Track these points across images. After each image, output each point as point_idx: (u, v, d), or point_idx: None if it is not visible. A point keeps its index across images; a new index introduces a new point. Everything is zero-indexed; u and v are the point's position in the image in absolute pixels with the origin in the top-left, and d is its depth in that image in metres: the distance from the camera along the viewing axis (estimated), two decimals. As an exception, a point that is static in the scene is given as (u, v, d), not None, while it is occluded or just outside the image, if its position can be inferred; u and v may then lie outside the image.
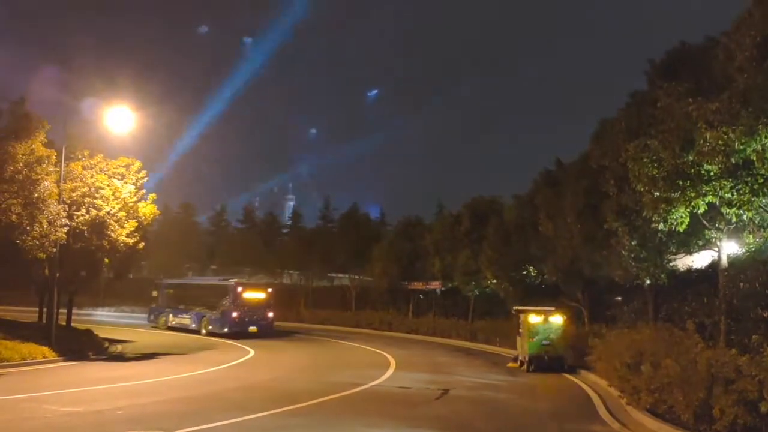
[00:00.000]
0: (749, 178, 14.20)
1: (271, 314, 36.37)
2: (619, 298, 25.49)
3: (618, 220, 19.00)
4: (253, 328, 34.53)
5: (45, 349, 21.28)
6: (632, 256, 19.14)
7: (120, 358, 24.17)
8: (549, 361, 22.95)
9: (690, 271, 22.19)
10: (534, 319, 23.31)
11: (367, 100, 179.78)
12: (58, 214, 21.53)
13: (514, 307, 26.39)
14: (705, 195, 14.72)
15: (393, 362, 24.61)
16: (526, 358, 23.46)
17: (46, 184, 21.11)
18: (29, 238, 20.85)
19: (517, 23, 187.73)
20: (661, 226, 15.90)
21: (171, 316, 38.55)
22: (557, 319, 23.29)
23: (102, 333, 28.99)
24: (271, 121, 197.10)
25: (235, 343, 30.50)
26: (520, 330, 24.21)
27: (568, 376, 22.32)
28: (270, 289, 37.43)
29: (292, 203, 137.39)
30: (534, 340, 23.15)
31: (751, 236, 15.72)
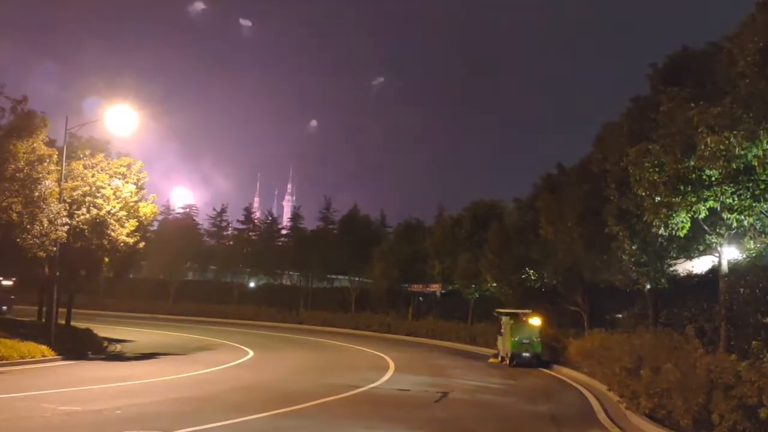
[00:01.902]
0: (750, 184, 14.19)
1: (13, 297, 42.93)
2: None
3: (619, 225, 18.98)
4: (5, 308, 40.84)
5: (44, 348, 21.26)
6: (633, 260, 19.12)
7: (119, 357, 24.16)
8: (528, 357, 25.71)
9: (690, 276, 22.17)
10: (516, 321, 26.20)
11: (371, 89, 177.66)
12: (58, 213, 21.53)
13: (496, 310, 29.25)
14: (706, 200, 14.71)
15: (392, 364, 24.60)
16: (508, 355, 26.25)
17: (47, 182, 21.10)
18: (30, 236, 20.84)
19: (516, 25, 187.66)
20: (661, 230, 15.89)
21: None
22: (535, 321, 26.13)
23: (102, 332, 28.99)
24: (273, 116, 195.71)
25: (235, 344, 30.50)
26: (502, 330, 27.29)
27: (545, 370, 24.76)
28: (14, 279, 43.11)
29: (292, 204, 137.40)
30: (515, 339, 26.00)
31: (751, 242, 15.69)
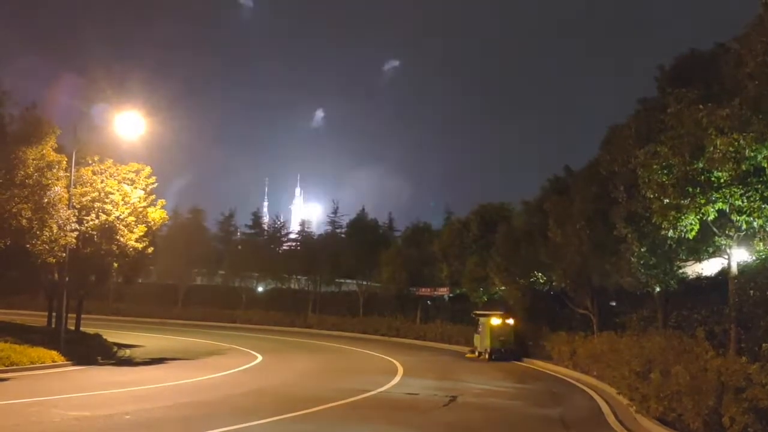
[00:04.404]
0: (760, 185, 14.15)
1: None
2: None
3: (627, 227, 18.91)
4: None
5: (54, 354, 21.34)
6: (642, 263, 19.03)
7: (128, 362, 24.22)
8: (504, 352, 29.99)
9: (700, 279, 22.06)
10: (494, 321, 30.52)
11: (383, 77, 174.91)
12: (68, 219, 21.65)
13: (473, 312, 33.33)
14: (715, 202, 14.66)
15: (400, 368, 24.58)
16: (487, 351, 30.34)
17: (57, 189, 21.22)
18: (39, 242, 20.97)
19: (520, 26, 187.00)
20: (670, 233, 15.83)
21: None
22: (511, 321, 30.66)
23: (111, 337, 29.09)
24: (279, 114, 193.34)
25: (244, 349, 30.55)
26: (479, 329, 31.37)
27: (518, 362, 29.13)
28: None
29: (300, 208, 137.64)
30: (494, 336, 30.14)
31: (761, 244, 15.61)
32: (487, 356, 30.26)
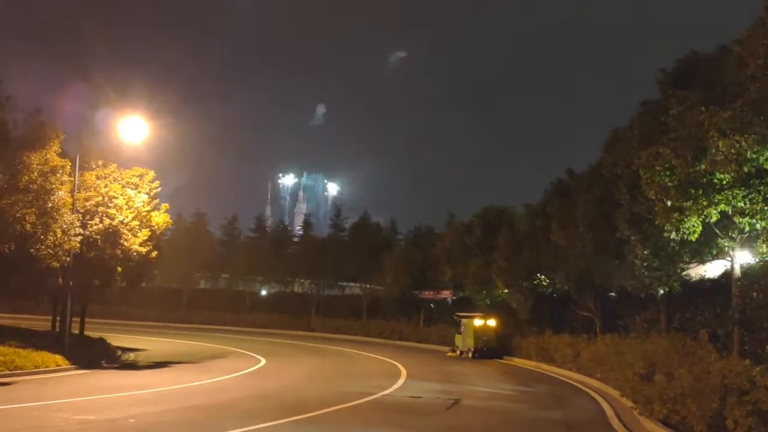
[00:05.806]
0: (762, 187, 14.16)
1: None
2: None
3: (630, 229, 18.92)
4: None
5: (58, 358, 21.40)
6: (645, 265, 19.03)
7: (132, 366, 24.27)
8: (487, 351, 31.92)
9: (703, 281, 22.03)
10: (477, 322, 32.56)
11: (389, 65, 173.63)
12: (71, 224, 21.71)
13: (456, 314, 35.12)
14: (717, 204, 14.66)
15: (404, 371, 24.57)
16: (470, 350, 32.35)
17: (60, 193, 21.29)
18: (43, 247, 21.01)
19: (523, 26, 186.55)
20: (673, 235, 15.83)
21: None
22: (492, 322, 32.75)
23: (115, 341, 29.15)
24: (281, 115, 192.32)
25: (247, 353, 30.58)
26: (462, 330, 33.35)
27: (500, 360, 31.26)
28: None
29: (303, 212, 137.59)
30: (477, 336, 32.09)
31: (764, 245, 15.59)
32: (470, 355, 32.19)
